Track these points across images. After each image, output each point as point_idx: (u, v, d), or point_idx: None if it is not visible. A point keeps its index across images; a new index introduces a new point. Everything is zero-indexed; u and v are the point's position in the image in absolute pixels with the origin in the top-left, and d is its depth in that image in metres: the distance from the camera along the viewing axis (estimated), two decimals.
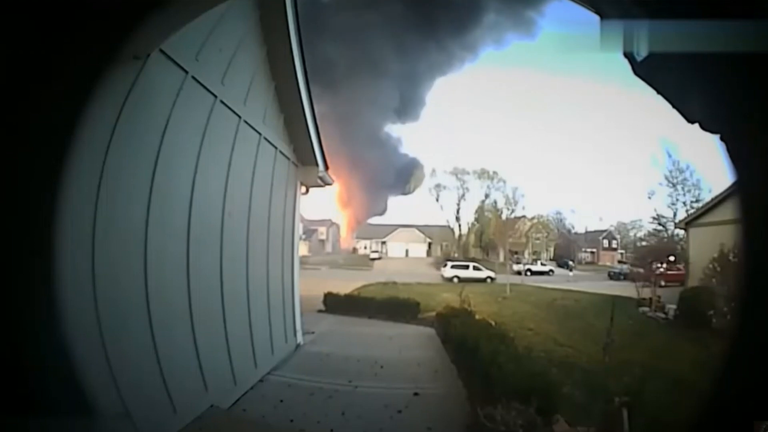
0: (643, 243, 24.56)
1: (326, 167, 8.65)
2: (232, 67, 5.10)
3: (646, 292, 13.91)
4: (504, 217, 27.17)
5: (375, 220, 33.30)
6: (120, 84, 3.24)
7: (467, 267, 20.95)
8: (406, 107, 33.12)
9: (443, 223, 29.66)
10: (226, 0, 4.38)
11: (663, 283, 14.50)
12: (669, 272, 15.60)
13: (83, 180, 2.94)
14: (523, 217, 27.70)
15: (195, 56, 4.26)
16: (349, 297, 13.86)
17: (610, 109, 37.05)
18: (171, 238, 4.17)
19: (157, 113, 3.85)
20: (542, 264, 24.23)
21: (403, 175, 32.40)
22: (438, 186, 29.47)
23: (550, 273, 22.89)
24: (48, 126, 1.49)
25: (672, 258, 16.84)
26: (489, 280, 19.87)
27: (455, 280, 19.11)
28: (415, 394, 5.69)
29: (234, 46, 5.19)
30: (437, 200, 29.63)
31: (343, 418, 4.94)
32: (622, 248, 28.92)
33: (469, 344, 6.23)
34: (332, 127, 26.04)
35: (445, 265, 21.53)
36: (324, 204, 32.65)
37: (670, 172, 20.93)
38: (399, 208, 43.67)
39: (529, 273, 21.78)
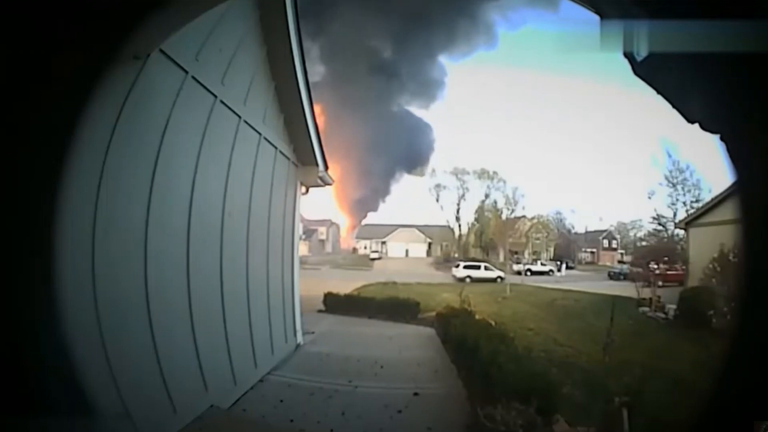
0: (643, 243, 24.51)
1: (326, 167, 8.66)
2: (232, 67, 5.10)
3: (646, 292, 13.88)
4: (504, 217, 27.15)
5: (375, 220, 33.19)
6: (120, 84, 3.24)
7: (479, 267, 21.24)
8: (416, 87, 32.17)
9: (443, 223, 29.51)
10: (226, 0, 4.38)
11: (661, 283, 14.49)
12: (669, 272, 15.58)
13: (83, 180, 2.94)
14: (523, 217, 27.66)
15: (195, 56, 4.27)
16: (349, 297, 13.84)
17: (610, 109, 36.83)
18: (171, 238, 4.17)
19: (157, 113, 3.85)
20: (542, 264, 24.23)
21: (409, 156, 31.65)
22: (438, 186, 29.32)
23: (550, 273, 22.92)
24: (48, 126, 1.49)
25: (669, 258, 16.82)
26: (499, 279, 20.22)
27: (467, 279, 19.39)
28: (415, 394, 5.69)
29: (234, 46, 5.19)
30: (437, 200, 29.49)
31: (343, 418, 4.94)
32: (622, 248, 28.84)
33: (469, 344, 6.23)
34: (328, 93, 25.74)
35: (458, 266, 21.68)
36: (324, 204, 32.39)
37: (670, 172, 20.81)
38: (399, 208, 43.53)
39: (529, 273, 21.86)
